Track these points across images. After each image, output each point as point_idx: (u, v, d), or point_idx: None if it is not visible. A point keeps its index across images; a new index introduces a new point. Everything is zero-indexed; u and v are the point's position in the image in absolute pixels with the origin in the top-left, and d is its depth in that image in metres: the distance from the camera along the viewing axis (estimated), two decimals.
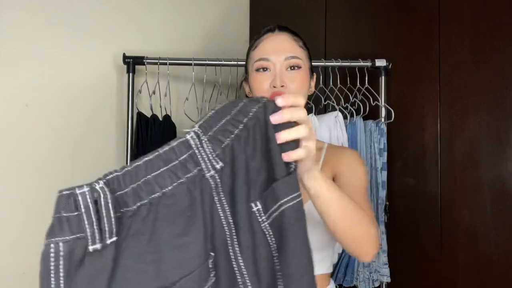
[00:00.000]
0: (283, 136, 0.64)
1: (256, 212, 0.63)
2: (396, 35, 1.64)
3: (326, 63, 1.63)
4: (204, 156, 0.62)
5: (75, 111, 1.67)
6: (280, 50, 1.01)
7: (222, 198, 0.63)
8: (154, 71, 1.61)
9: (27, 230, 1.55)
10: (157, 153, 0.60)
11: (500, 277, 1.29)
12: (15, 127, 1.54)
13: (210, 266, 0.61)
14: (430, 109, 1.49)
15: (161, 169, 0.60)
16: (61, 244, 0.56)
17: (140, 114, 1.58)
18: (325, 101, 1.66)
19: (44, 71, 1.60)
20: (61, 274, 0.56)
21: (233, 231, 0.63)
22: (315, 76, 1.14)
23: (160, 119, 1.60)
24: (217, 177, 0.62)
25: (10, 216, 1.52)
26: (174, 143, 0.61)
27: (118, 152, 1.76)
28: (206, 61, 1.61)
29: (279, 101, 0.65)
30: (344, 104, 1.65)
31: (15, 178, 1.53)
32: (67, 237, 0.56)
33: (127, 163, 1.59)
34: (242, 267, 0.62)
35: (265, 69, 1.02)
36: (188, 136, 0.61)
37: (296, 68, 1.02)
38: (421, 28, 1.53)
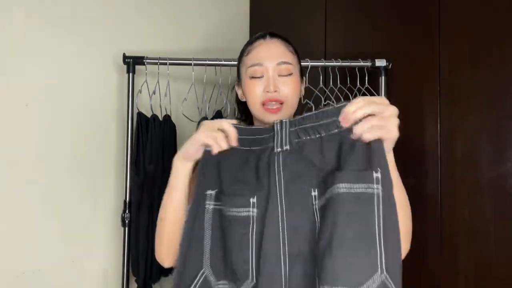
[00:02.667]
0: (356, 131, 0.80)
1: (313, 197, 0.84)
2: (396, 35, 1.64)
3: (326, 63, 1.63)
4: (279, 139, 0.87)
5: (75, 111, 1.67)
6: (272, 56, 1.06)
7: (281, 171, 0.85)
8: (154, 71, 1.61)
9: (27, 230, 1.55)
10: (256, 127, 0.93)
11: (500, 277, 1.29)
12: (15, 127, 1.54)
13: (252, 202, 0.87)
14: (430, 109, 1.49)
15: (255, 136, 0.92)
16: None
17: (140, 114, 1.58)
18: (325, 101, 1.66)
19: (44, 71, 1.60)
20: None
21: (283, 195, 0.85)
22: (305, 80, 1.17)
23: (160, 119, 1.60)
24: (281, 155, 0.86)
25: (10, 216, 1.52)
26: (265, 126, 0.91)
27: (118, 152, 1.76)
28: (206, 61, 1.61)
29: (344, 124, 0.82)
30: None
31: (15, 178, 1.53)
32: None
33: (127, 163, 1.60)
34: (285, 219, 0.84)
35: (258, 76, 1.06)
36: (275, 123, 0.88)
37: (288, 74, 1.05)
38: (421, 28, 1.53)
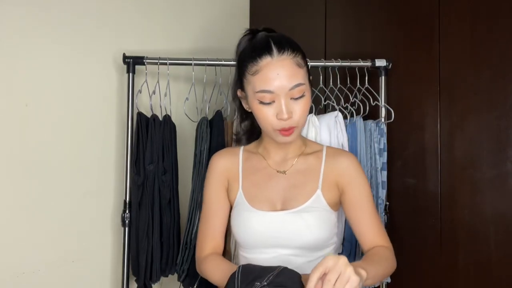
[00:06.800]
0: None
1: None
2: (396, 35, 1.64)
3: (326, 63, 1.63)
4: None
5: (75, 111, 1.67)
6: (284, 81, 1.00)
7: None
8: (154, 71, 1.61)
9: (27, 230, 1.55)
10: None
11: (500, 277, 1.29)
12: (15, 127, 1.54)
13: None
14: (430, 109, 1.49)
15: None
16: None
17: (140, 114, 1.58)
18: (325, 101, 1.66)
19: (44, 71, 1.60)
20: None
21: None
22: (311, 79, 1.16)
23: (160, 119, 1.60)
24: None
25: (10, 216, 1.52)
26: None
27: (118, 152, 1.76)
28: (206, 61, 1.61)
29: None
30: (344, 104, 1.65)
31: (15, 178, 1.53)
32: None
33: (127, 163, 1.59)
34: None
35: (268, 102, 1.01)
36: None
37: (300, 96, 1.02)
38: (421, 28, 1.53)
